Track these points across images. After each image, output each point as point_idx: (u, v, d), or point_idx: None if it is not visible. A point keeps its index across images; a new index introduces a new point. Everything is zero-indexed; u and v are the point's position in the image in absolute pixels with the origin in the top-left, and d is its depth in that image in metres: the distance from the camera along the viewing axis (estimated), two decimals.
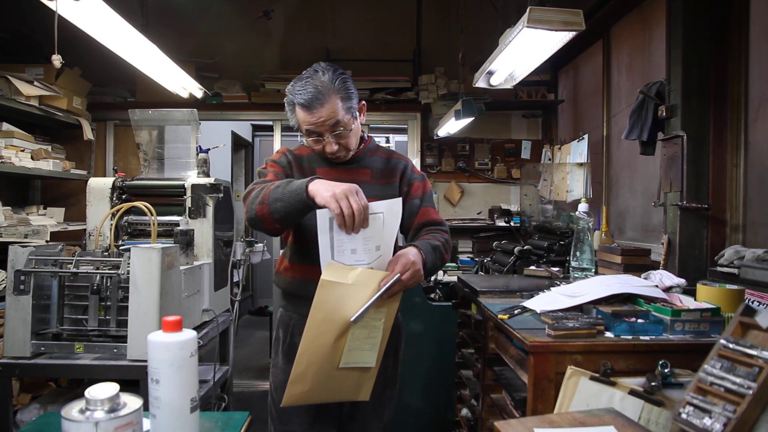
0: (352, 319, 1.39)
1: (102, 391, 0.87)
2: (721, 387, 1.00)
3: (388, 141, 6.69)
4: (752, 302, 1.74)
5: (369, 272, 1.41)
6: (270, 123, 4.82)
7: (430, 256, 1.54)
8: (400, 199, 1.50)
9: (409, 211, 1.73)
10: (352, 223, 1.34)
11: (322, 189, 1.36)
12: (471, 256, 4.43)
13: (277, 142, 4.71)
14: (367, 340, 1.45)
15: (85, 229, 2.65)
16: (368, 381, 1.54)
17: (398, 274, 1.41)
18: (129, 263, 1.99)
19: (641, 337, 1.44)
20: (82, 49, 2.90)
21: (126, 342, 1.98)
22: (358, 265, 1.42)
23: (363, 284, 1.40)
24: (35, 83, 3.52)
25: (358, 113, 1.65)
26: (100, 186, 2.65)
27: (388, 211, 1.45)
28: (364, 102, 1.70)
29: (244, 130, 6.76)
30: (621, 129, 3.04)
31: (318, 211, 1.38)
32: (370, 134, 1.83)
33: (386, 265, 1.46)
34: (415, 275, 1.44)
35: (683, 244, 2.37)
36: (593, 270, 2.30)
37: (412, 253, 1.48)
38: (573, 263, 2.32)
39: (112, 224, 2.49)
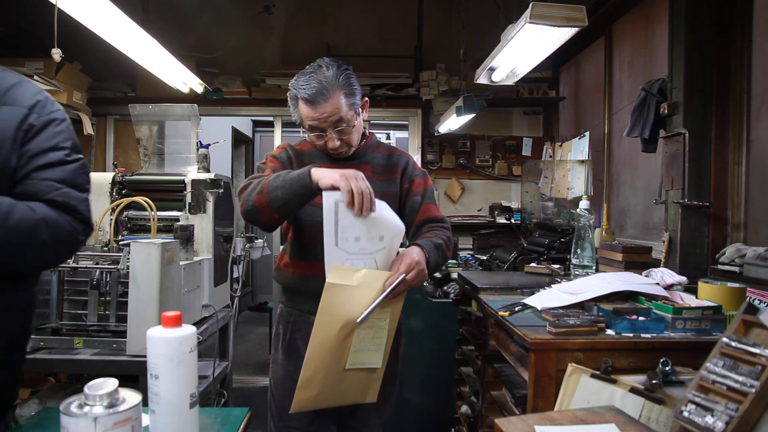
0: (358, 320, 1.38)
1: (101, 386, 0.86)
2: (724, 385, 1.00)
3: (388, 137, 6.68)
4: (753, 300, 1.74)
5: (374, 273, 1.41)
6: (270, 119, 4.81)
7: (433, 254, 1.53)
8: (403, 229, 1.48)
9: (410, 207, 1.72)
10: (361, 201, 1.33)
11: (327, 172, 1.36)
12: (471, 252, 4.43)
13: (277, 137, 4.70)
14: (372, 340, 1.45)
15: None
16: (375, 383, 1.54)
17: (403, 274, 1.40)
18: (129, 258, 1.99)
19: (642, 335, 1.44)
20: (83, 44, 2.89)
21: (125, 337, 1.98)
22: (361, 254, 1.41)
23: (368, 285, 1.39)
24: (35, 77, 3.51)
25: (360, 109, 1.64)
26: (100, 181, 2.64)
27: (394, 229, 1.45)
28: (367, 98, 1.70)
29: (244, 125, 6.75)
30: (622, 126, 3.03)
31: (324, 192, 1.36)
32: (371, 131, 1.82)
33: (391, 258, 1.46)
34: (419, 275, 1.44)
35: (684, 242, 2.36)
36: (594, 267, 2.29)
37: (415, 252, 1.48)
38: (574, 260, 2.31)
39: (111, 219, 2.49)
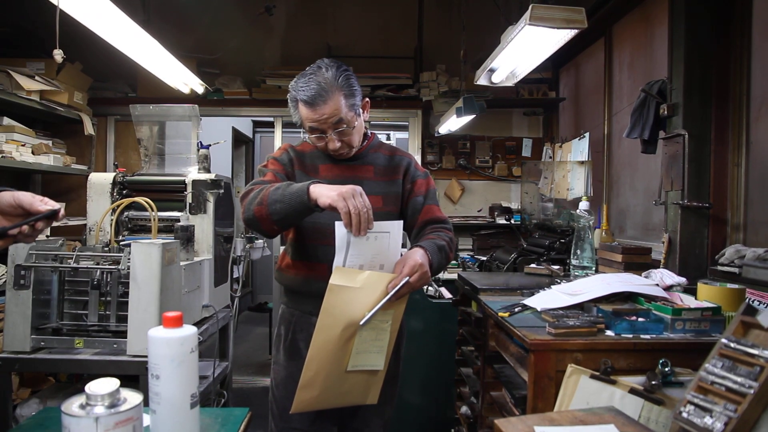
0: (361, 323, 1.38)
1: (102, 386, 0.86)
2: (722, 386, 1.00)
3: (388, 138, 6.69)
4: (753, 301, 1.74)
5: (377, 275, 1.41)
6: (271, 119, 4.81)
7: (436, 256, 1.53)
8: (401, 222, 1.50)
9: (412, 208, 1.73)
10: (359, 221, 1.33)
11: (325, 190, 1.36)
12: (471, 253, 4.43)
13: (277, 138, 4.70)
14: (374, 342, 1.45)
15: (85, 224, 2.65)
16: (376, 384, 1.54)
17: (407, 277, 1.40)
18: (129, 258, 1.99)
19: (642, 336, 1.44)
20: (84, 44, 2.90)
21: (126, 337, 1.98)
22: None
23: (371, 287, 1.40)
24: (36, 78, 3.51)
25: (361, 110, 1.64)
26: (100, 181, 2.65)
27: (394, 232, 1.46)
28: (367, 99, 1.69)
29: (244, 126, 6.75)
30: (622, 127, 3.03)
31: (336, 223, 1.38)
32: (372, 131, 1.82)
33: (394, 259, 1.47)
34: (422, 277, 1.44)
35: (684, 243, 2.37)
36: (594, 268, 2.30)
37: (419, 254, 1.48)
38: (573, 261, 2.32)
39: (112, 219, 2.49)
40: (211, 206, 2.62)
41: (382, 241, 1.43)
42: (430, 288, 3.23)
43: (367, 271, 1.41)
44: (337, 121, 1.56)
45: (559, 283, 1.97)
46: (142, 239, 2.12)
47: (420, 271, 1.43)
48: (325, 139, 1.60)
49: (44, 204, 1.09)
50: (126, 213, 2.63)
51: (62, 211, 1.10)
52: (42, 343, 2.05)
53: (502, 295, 2.03)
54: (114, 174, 2.66)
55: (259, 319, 6.01)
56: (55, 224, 1.18)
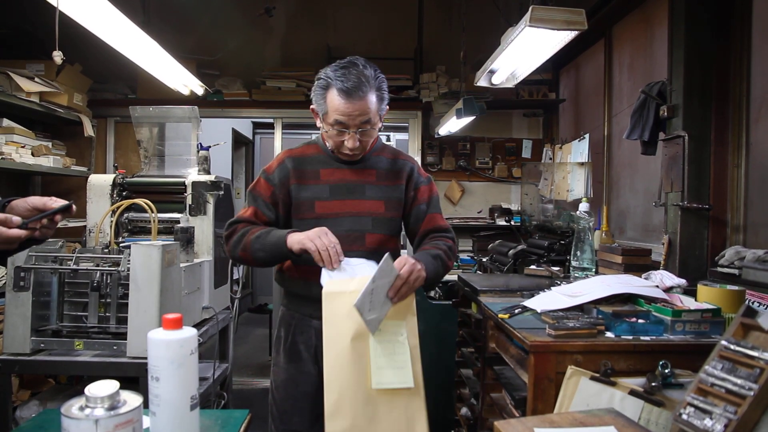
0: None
1: (102, 388, 0.86)
2: (722, 388, 1.00)
3: (388, 139, 6.69)
4: (752, 303, 1.74)
5: (368, 278, 1.40)
6: (271, 120, 4.80)
7: (431, 266, 1.55)
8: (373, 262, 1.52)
9: (415, 216, 1.74)
10: (328, 256, 1.43)
11: (296, 237, 1.50)
12: (471, 254, 4.43)
13: (277, 140, 4.69)
14: (393, 357, 1.41)
15: (85, 226, 2.65)
16: (419, 413, 1.41)
17: (388, 254, 1.40)
18: (129, 260, 1.99)
19: (642, 338, 1.44)
20: (83, 46, 2.90)
21: (126, 339, 1.98)
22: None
23: None
24: (36, 79, 3.51)
25: (381, 117, 1.65)
26: (100, 183, 2.65)
27: (369, 264, 1.50)
28: (387, 107, 1.69)
29: (244, 127, 6.75)
30: (622, 129, 3.03)
31: (322, 276, 1.46)
32: None
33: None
34: (413, 268, 1.45)
35: (684, 245, 2.36)
36: (594, 270, 2.30)
37: (409, 257, 1.50)
38: (573, 263, 2.31)
39: (112, 221, 2.49)
40: (210, 208, 2.62)
41: (363, 268, 1.48)
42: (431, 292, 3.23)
43: (358, 276, 1.42)
44: (366, 120, 1.57)
45: (559, 284, 1.97)
46: (142, 241, 2.12)
47: (409, 264, 1.44)
48: (344, 135, 1.59)
49: (55, 202, 1.18)
50: (126, 214, 2.63)
51: (74, 207, 1.20)
52: (42, 345, 2.05)
53: (502, 296, 2.03)
54: (114, 175, 2.67)
55: (259, 321, 6.01)
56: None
